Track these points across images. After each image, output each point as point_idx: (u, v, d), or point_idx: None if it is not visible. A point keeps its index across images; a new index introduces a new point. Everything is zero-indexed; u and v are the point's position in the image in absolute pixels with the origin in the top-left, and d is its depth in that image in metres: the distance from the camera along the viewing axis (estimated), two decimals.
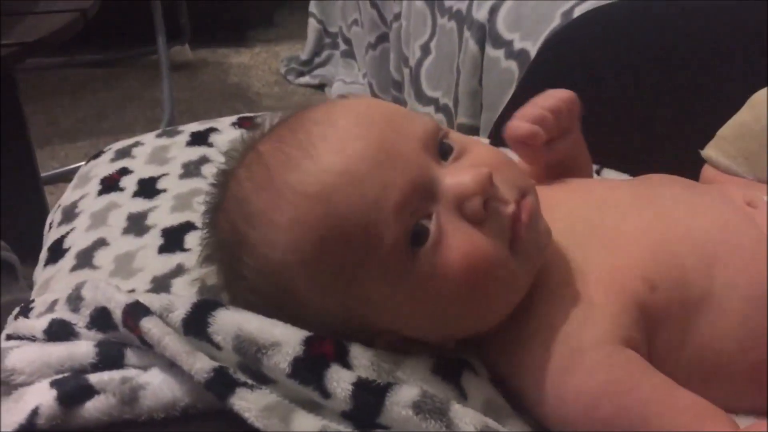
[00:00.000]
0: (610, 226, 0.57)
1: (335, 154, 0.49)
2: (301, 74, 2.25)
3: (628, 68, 0.82)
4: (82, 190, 0.76)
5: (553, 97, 0.61)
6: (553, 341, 0.51)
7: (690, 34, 0.82)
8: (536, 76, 0.90)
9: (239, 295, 0.54)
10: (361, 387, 0.47)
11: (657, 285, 0.53)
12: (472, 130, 1.26)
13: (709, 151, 0.68)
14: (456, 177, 0.50)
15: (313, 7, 2.23)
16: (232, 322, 0.49)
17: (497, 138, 0.76)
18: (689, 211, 0.57)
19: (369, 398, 0.46)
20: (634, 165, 0.71)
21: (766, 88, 0.66)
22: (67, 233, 0.71)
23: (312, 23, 2.24)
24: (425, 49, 1.46)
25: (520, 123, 0.59)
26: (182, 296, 0.53)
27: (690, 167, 0.68)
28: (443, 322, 0.51)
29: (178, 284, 0.62)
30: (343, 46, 2.14)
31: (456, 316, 0.51)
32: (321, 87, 2.20)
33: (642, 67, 0.81)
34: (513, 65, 1.15)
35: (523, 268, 0.51)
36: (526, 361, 0.52)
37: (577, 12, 1.11)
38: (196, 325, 0.49)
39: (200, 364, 0.47)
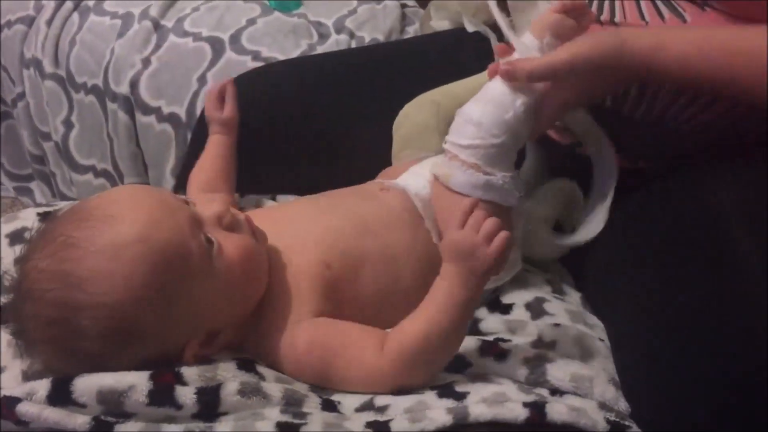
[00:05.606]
0: (292, 234, 0.83)
1: (134, 210, 0.69)
2: None
3: (281, 118, 1.07)
4: None
5: None
6: (280, 329, 0.75)
7: (326, 82, 1.09)
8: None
9: (73, 361, 0.68)
10: (201, 392, 0.67)
11: (331, 264, 0.80)
12: None
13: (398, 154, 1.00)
14: (207, 209, 0.75)
15: None
16: (90, 383, 0.65)
17: (183, 185, 0.99)
18: (337, 211, 0.87)
19: (209, 398, 0.67)
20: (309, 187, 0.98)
21: (400, 112, 1.00)
22: None
23: None
24: (68, 124, 1.58)
25: None
26: (36, 382, 0.67)
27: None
28: (237, 303, 0.74)
29: None
30: None
31: (242, 295, 0.75)
32: None
33: (294, 115, 1.07)
34: (167, 127, 1.36)
35: (263, 249, 0.77)
36: (272, 346, 0.76)
37: (209, 76, 1.36)
38: (61, 396, 0.64)
39: (80, 420, 0.63)
